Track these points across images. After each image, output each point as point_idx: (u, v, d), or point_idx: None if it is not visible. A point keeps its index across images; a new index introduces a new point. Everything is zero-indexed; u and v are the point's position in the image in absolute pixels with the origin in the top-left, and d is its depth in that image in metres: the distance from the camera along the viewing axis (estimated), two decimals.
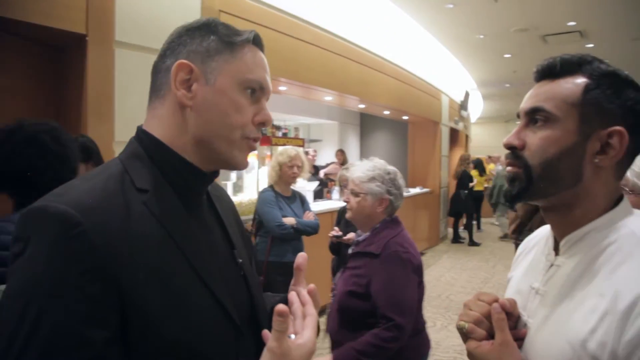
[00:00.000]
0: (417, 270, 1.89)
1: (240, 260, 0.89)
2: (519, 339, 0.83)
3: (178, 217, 0.77)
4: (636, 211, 0.82)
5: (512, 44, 7.81)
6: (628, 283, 0.69)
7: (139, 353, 0.67)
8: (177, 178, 0.79)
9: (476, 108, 13.36)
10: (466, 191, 9.19)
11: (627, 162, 0.81)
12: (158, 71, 0.81)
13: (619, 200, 0.81)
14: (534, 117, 0.82)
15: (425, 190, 8.61)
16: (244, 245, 0.95)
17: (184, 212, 0.78)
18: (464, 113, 10.89)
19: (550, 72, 0.83)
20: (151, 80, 0.82)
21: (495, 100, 13.67)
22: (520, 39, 7.43)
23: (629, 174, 1.48)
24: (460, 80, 10.35)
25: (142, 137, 0.80)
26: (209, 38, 0.79)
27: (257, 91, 0.81)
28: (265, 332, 0.77)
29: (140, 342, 0.67)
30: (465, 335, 0.83)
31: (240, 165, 0.82)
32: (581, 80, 0.79)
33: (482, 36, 7.42)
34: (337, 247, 3.15)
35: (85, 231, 0.64)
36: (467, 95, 10.79)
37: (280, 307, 0.69)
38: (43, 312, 0.61)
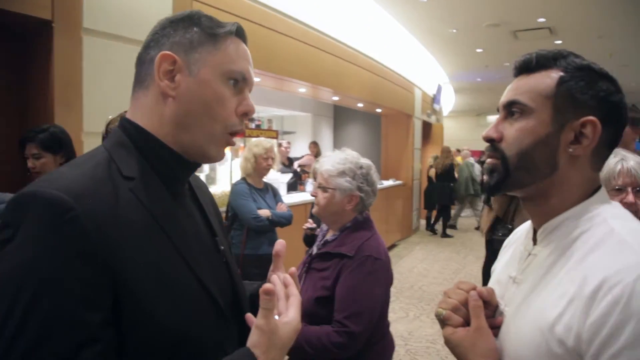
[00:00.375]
0: (388, 278, 1.82)
1: (222, 248, 0.92)
2: (496, 327, 0.85)
3: (164, 204, 0.78)
4: (614, 202, 0.84)
5: (484, 39, 7.92)
6: (595, 269, 0.71)
7: (132, 338, 0.68)
8: (162, 166, 0.80)
9: (448, 101, 13.53)
10: (452, 184, 9.28)
11: (604, 152, 0.83)
12: (142, 62, 0.81)
13: (596, 190, 0.83)
14: (511, 110, 0.84)
15: (398, 182, 8.70)
16: (223, 234, 0.97)
17: (169, 200, 0.80)
18: (436, 106, 11.01)
19: (527, 67, 0.85)
20: (135, 71, 0.82)
21: (467, 94, 13.88)
22: (492, 34, 7.54)
23: None
24: (433, 74, 10.45)
25: (127, 125, 0.81)
26: (192, 30, 0.80)
27: (239, 82, 0.82)
28: (249, 315, 0.80)
29: (133, 327, 0.68)
30: (443, 321, 0.85)
31: (215, 158, 0.84)
32: (556, 74, 0.81)
33: (454, 30, 7.50)
34: (312, 239, 3.16)
35: (77, 216, 0.64)
36: (439, 88, 10.91)
37: (267, 286, 0.72)
38: (37, 295, 0.61)
